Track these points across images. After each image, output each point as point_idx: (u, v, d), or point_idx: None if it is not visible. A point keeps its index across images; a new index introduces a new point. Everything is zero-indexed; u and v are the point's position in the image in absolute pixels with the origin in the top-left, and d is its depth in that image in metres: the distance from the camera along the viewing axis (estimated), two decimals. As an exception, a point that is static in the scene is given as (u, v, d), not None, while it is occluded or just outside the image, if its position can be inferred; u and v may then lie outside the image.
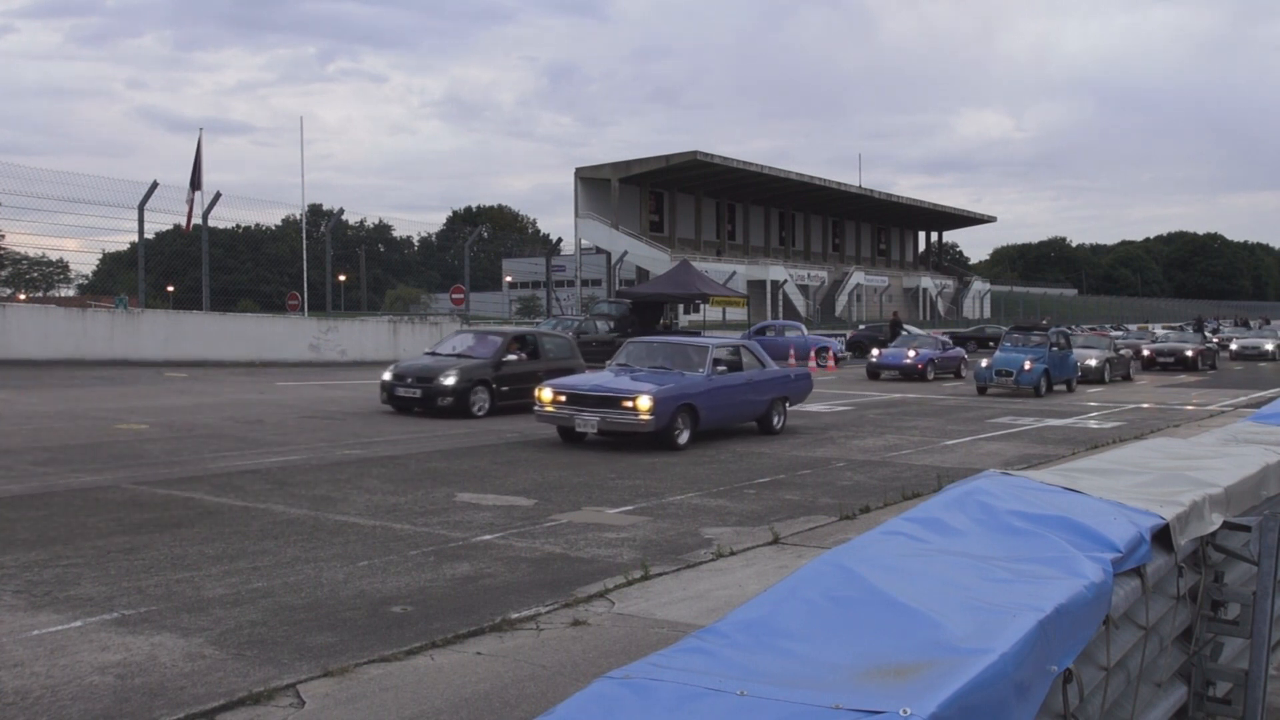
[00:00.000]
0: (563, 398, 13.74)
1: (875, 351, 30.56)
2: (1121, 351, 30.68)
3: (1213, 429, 6.05)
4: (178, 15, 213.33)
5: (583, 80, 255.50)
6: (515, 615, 6.19)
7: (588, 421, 13.46)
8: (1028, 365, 23.53)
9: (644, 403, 13.16)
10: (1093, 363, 27.98)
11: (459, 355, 17.61)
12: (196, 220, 27.67)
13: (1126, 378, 29.85)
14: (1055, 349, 24.83)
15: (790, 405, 16.25)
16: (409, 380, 16.92)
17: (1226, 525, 3.63)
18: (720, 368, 14.56)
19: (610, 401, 13.43)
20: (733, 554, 7.87)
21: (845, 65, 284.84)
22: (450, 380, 16.66)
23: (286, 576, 7.02)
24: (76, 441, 12.70)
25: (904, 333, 36.85)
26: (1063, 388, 25.14)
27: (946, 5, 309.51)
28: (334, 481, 10.65)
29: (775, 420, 15.63)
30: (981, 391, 23.97)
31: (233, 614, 6.16)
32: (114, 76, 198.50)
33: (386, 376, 17.20)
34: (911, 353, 29.00)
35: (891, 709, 1.94)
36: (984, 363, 24.74)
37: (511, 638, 5.81)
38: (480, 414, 16.81)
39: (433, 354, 18.16)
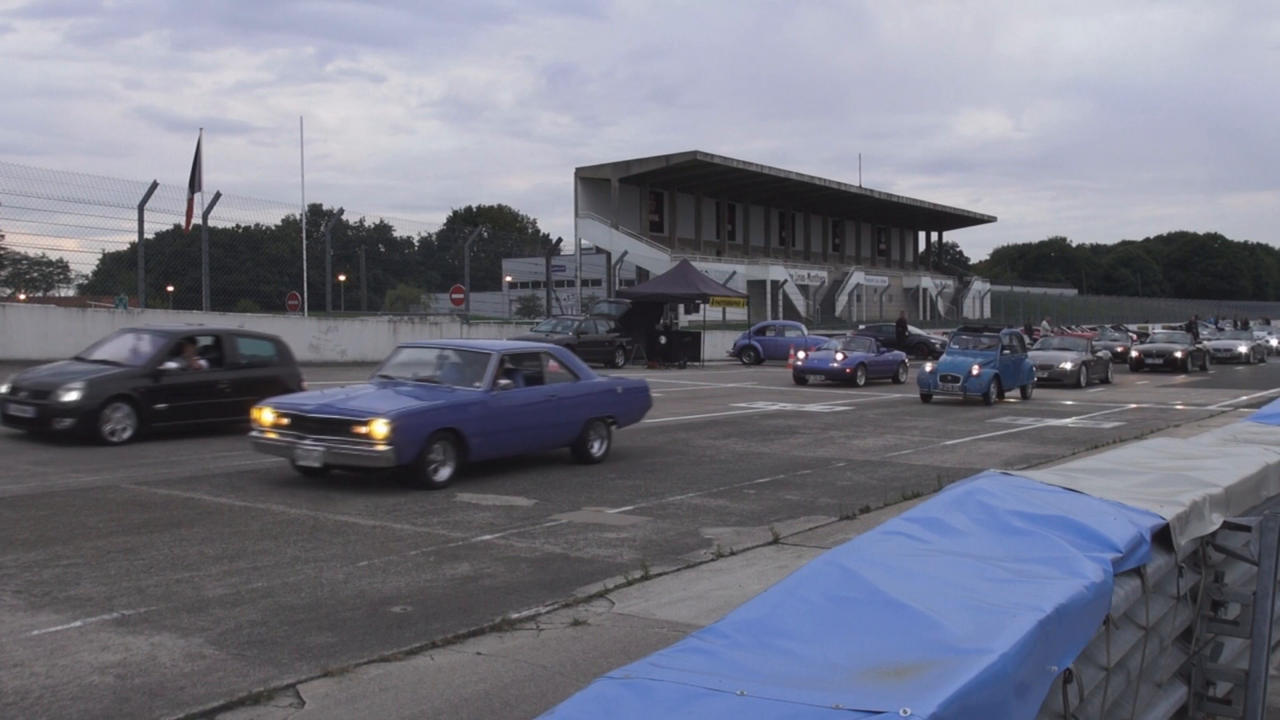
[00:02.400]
0: (285, 420, 10.44)
1: (800, 354, 27.89)
2: (1099, 354, 29.22)
3: (1213, 429, 6.05)
4: (175, 15, 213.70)
5: (581, 80, 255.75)
6: (515, 615, 6.19)
7: (310, 453, 10.15)
8: (975, 370, 21.38)
9: (380, 428, 9.81)
10: (1067, 366, 26.61)
11: (107, 361, 13.41)
12: (197, 220, 27.68)
13: (1104, 381, 28.29)
14: (1007, 352, 22.65)
15: (621, 425, 13.09)
16: (23, 394, 12.81)
17: (1226, 525, 3.63)
18: (506, 381, 11.32)
19: (338, 425, 10.09)
20: (733, 554, 7.87)
21: (844, 65, 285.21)
22: (71, 395, 12.41)
23: (286, 576, 7.02)
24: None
25: (909, 334, 36.75)
26: (1016, 395, 23.10)
27: (945, 5, 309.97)
28: (334, 481, 10.65)
29: (594, 446, 12.44)
30: (925, 399, 21.80)
31: (233, 614, 6.16)
32: (112, 76, 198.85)
33: (3, 389, 13.07)
34: (840, 356, 26.44)
35: (891, 709, 1.94)
36: (928, 367, 22.46)
37: (511, 638, 5.81)
38: (120, 440, 12.61)
39: (79, 359, 13.91)
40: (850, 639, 2.35)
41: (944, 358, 22.89)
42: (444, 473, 10.54)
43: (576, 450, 12.44)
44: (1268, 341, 47.17)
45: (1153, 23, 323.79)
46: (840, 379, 25.96)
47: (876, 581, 2.59)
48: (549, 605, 6.44)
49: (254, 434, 10.75)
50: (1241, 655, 3.77)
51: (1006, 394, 22.58)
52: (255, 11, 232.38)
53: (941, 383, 21.65)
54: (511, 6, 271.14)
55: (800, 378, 26.46)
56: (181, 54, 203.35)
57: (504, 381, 11.34)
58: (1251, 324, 64.41)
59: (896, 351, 29.30)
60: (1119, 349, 36.66)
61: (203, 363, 14.03)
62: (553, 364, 12.49)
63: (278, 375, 14.57)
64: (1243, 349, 41.06)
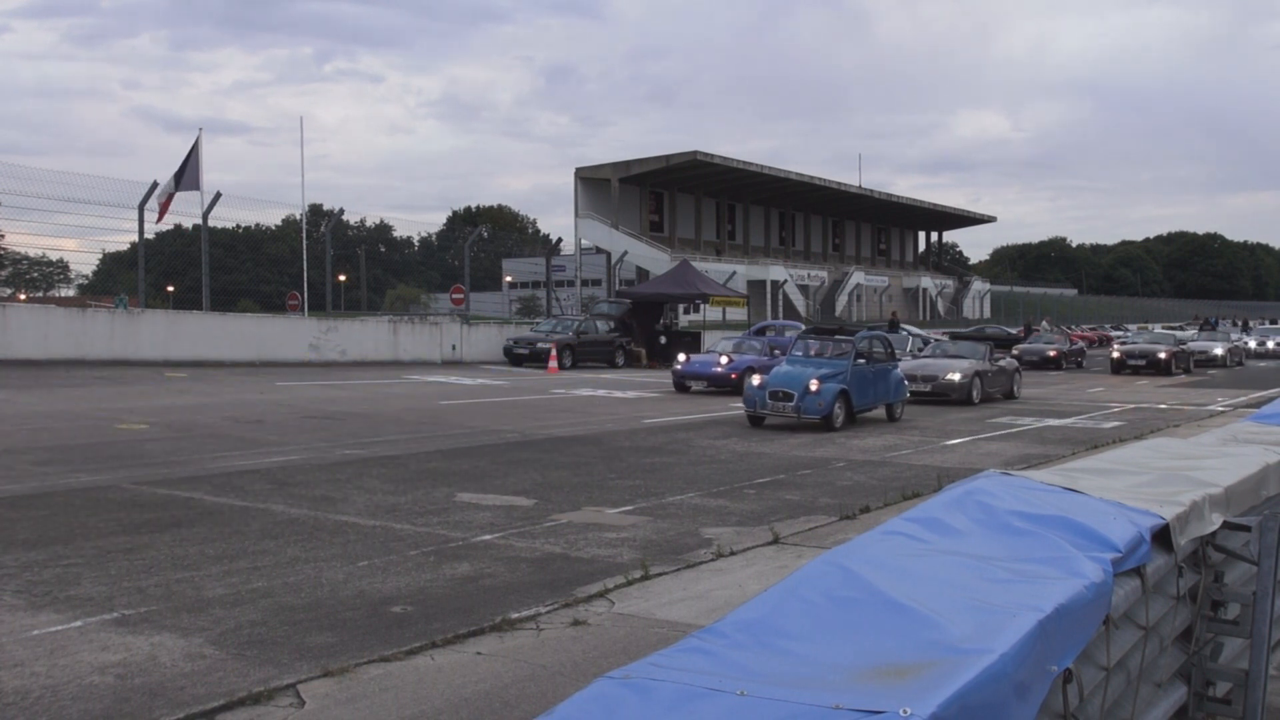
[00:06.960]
0: None
1: (681, 357, 24.49)
2: (1001, 362, 23.53)
3: (1213, 429, 6.05)
4: (173, 15, 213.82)
5: (580, 80, 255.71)
6: (515, 615, 6.19)
7: None
8: (814, 385, 16.41)
9: None
10: (955, 377, 21.69)
11: None
12: (188, 221, 27.67)
13: (1009, 395, 23.23)
14: (862, 361, 17.53)
15: None
16: None
17: (1226, 525, 3.63)
18: None
19: None
20: (733, 554, 7.87)
21: (843, 65, 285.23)
22: None
23: (286, 576, 7.02)
24: (76, 441, 12.69)
25: (903, 333, 36.69)
26: (880, 414, 18.29)
27: (943, 5, 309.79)
28: (334, 481, 10.64)
29: None
30: (756, 421, 17.00)
31: (233, 614, 6.15)
32: (110, 76, 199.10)
33: None
34: (724, 360, 22.99)
35: (891, 709, 1.94)
36: (756, 380, 17.23)
37: (511, 638, 5.81)
38: None
39: None
40: (850, 639, 2.35)
41: (777, 368, 17.75)
42: None
43: None
44: (1246, 343, 46.45)
45: (1151, 23, 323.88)
46: (725, 385, 22.62)
47: (876, 581, 2.59)
48: (549, 605, 6.44)
49: None
50: (1241, 655, 3.77)
51: (861, 415, 17.71)
52: (253, 12, 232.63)
53: (771, 400, 16.67)
54: (509, 6, 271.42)
55: (681, 385, 23.33)
56: (179, 54, 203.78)
57: None
58: (1252, 323, 64.10)
59: None
60: (1051, 353, 35.27)
61: None
62: None
63: None
64: (1219, 351, 39.01)
